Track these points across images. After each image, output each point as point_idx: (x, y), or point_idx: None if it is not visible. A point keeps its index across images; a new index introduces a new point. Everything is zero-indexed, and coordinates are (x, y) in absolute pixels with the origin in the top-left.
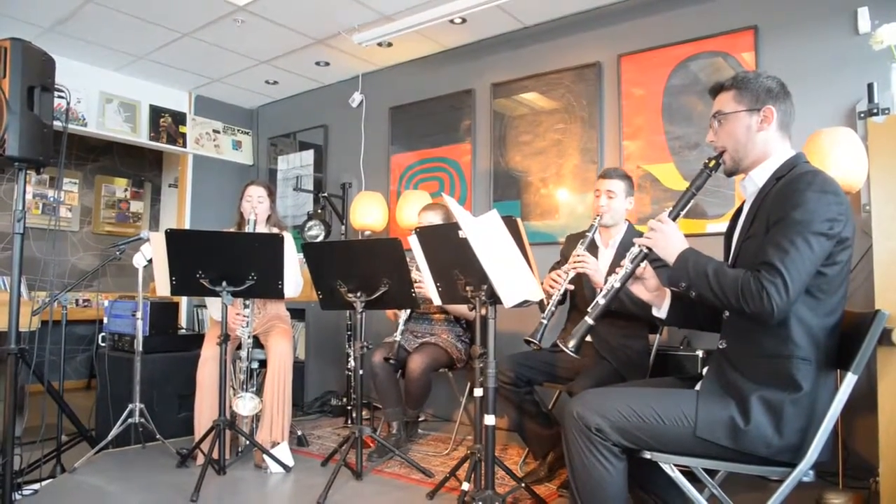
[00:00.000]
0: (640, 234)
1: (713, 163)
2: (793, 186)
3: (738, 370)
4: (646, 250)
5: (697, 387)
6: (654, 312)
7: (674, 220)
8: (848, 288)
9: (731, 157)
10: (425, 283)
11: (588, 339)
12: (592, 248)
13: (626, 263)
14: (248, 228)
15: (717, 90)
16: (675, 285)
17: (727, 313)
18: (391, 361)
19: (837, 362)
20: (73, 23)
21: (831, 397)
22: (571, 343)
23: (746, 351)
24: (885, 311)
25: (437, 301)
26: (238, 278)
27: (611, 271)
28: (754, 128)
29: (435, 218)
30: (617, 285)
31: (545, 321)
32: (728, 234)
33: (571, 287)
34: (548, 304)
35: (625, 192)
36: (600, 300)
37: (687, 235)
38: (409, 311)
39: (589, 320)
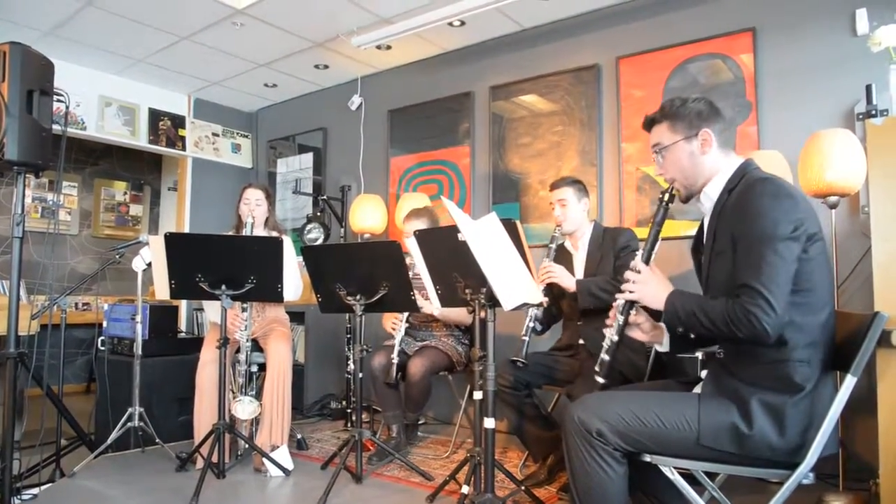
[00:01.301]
0: (607, 231)
1: (667, 196)
2: (747, 197)
3: (736, 377)
4: (631, 299)
5: (697, 389)
6: (658, 348)
7: (647, 262)
8: (832, 282)
9: (682, 185)
10: (427, 291)
11: (581, 342)
12: (566, 255)
13: (616, 315)
14: (245, 231)
15: (650, 124)
16: (672, 331)
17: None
18: (390, 385)
19: (835, 362)
20: (71, 26)
21: (831, 397)
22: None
23: (744, 359)
24: (885, 312)
25: (437, 305)
26: (237, 282)
27: (586, 272)
28: (697, 153)
29: (420, 225)
30: (615, 338)
31: (526, 338)
32: (696, 250)
33: (546, 300)
34: (527, 320)
35: (576, 197)
36: (604, 357)
37: (667, 239)
38: (404, 329)
39: (600, 380)
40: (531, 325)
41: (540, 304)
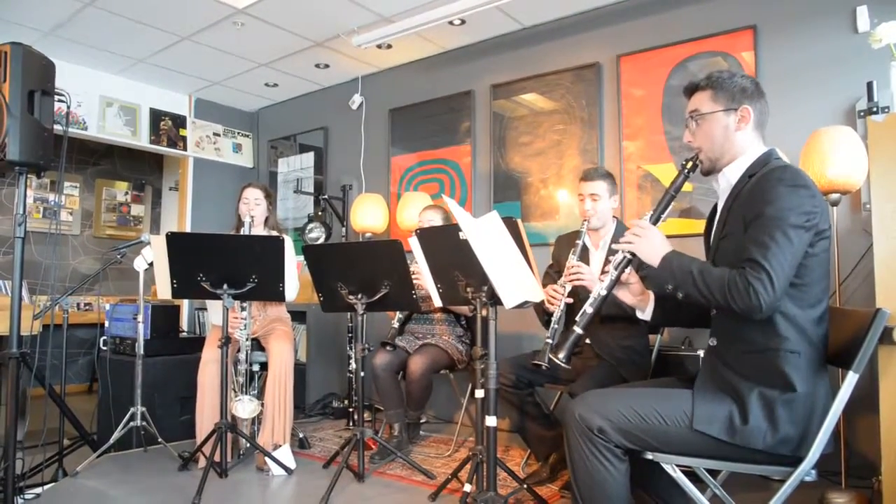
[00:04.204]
0: None
1: (690, 164)
2: (764, 183)
3: (730, 367)
4: (629, 256)
5: None
6: (639, 315)
7: (655, 223)
8: (829, 281)
9: (707, 157)
10: (425, 284)
11: (587, 340)
12: (583, 251)
13: (611, 270)
14: (244, 231)
15: (692, 90)
16: (661, 287)
17: (715, 311)
18: (388, 348)
19: (836, 359)
20: (72, 26)
21: (828, 394)
22: (562, 354)
23: (736, 348)
24: (886, 309)
25: (437, 303)
26: (239, 281)
27: (603, 271)
28: (732, 127)
29: (435, 217)
30: (603, 293)
31: (551, 341)
32: (706, 235)
33: (571, 300)
34: (552, 322)
35: (608, 193)
36: (588, 308)
37: (682, 236)
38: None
39: (578, 330)
40: (557, 327)
41: (541, 303)
